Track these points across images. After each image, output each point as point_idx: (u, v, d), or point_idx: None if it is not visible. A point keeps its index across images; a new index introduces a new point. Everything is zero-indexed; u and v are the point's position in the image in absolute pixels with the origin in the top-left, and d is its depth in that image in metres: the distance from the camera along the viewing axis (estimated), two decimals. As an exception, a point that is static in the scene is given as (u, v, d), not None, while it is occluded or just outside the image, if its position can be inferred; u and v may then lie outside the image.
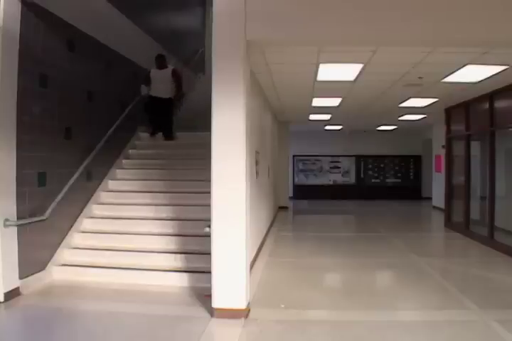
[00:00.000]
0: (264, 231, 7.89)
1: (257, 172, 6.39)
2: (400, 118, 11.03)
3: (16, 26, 4.42)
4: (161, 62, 7.71)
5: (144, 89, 7.68)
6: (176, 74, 7.76)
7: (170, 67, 7.77)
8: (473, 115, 8.11)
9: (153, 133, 7.85)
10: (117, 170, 6.92)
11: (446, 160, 9.65)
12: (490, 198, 7.29)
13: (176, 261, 5.17)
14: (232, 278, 3.97)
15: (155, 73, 7.69)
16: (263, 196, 7.58)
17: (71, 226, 5.59)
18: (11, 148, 4.42)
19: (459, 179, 8.92)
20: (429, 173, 14.20)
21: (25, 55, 4.56)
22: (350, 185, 16.15)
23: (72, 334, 3.68)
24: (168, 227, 5.69)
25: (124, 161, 7.21)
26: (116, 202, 6.25)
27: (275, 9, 3.87)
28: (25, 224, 4.60)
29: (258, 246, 6.66)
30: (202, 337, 3.58)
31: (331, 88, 6.95)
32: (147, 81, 7.69)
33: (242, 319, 3.91)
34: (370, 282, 5.55)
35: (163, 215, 5.91)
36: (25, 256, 4.58)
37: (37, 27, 4.81)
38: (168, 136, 7.78)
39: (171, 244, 5.45)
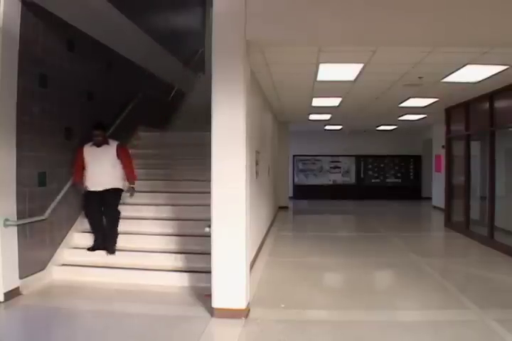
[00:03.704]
0: (265, 231, 7.89)
1: (256, 172, 6.39)
2: (400, 118, 11.03)
3: (15, 26, 4.42)
4: (99, 136, 5.37)
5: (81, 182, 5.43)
6: (122, 155, 5.49)
7: (113, 143, 5.49)
8: (473, 115, 8.11)
9: (93, 248, 5.34)
10: (117, 170, 6.91)
11: (446, 160, 9.65)
12: (490, 198, 7.29)
13: (176, 260, 5.17)
14: (232, 278, 3.97)
15: (91, 153, 5.40)
16: (263, 196, 7.58)
17: (71, 226, 5.59)
18: (11, 148, 4.42)
19: (458, 179, 8.92)
20: (429, 173, 14.20)
21: (25, 55, 4.56)
22: (350, 185, 16.14)
23: (71, 334, 3.68)
24: (168, 227, 5.69)
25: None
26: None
27: (275, 9, 3.88)
28: (25, 224, 4.60)
29: (258, 246, 6.66)
30: (202, 337, 3.58)
31: (330, 88, 6.94)
32: (78, 166, 5.40)
33: (242, 319, 3.91)
34: (370, 281, 5.56)
35: (163, 215, 5.91)
36: (25, 255, 4.58)
37: (37, 27, 4.81)
38: (110, 248, 5.31)
39: (171, 243, 5.45)
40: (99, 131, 5.39)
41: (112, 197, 5.44)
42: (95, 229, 5.47)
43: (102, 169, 5.35)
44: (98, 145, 5.41)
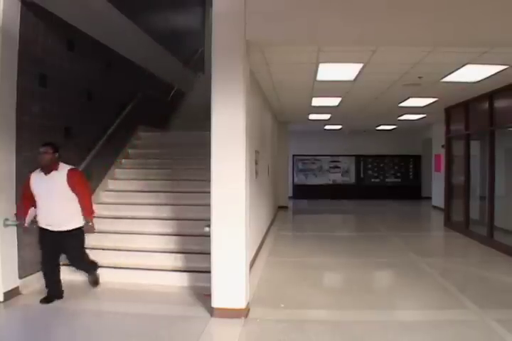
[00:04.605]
0: (264, 230, 7.89)
1: (256, 172, 6.39)
2: (400, 118, 11.04)
3: (15, 26, 4.42)
4: (44, 153, 4.20)
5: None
6: (74, 181, 4.28)
7: (64, 169, 4.30)
8: (473, 114, 8.11)
9: (46, 299, 4.29)
10: (117, 170, 6.93)
11: (446, 160, 9.66)
12: (489, 198, 7.29)
13: (176, 260, 5.17)
14: (231, 278, 3.97)
15: (38, 182, 4.25)
16: (263, 195, 7.58)
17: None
18: (11, 147, 4.42)
19: (458, 179, 8.92)
20: (429, 173, 14.20)
21: (25, 55, 4.56)
22: (350, 185, 16.14)
23: (71, 334, 3.68)
24: (168, 227, 5.69)
25: (123, 161, 7.21)
26: (115, 201, 6.25)
27: (275, 9, 3.88)
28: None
29: (258, 245, 6.66)
30: (201, 336, 3.59)
31: (330, 88, 6.94)
32: (25, 197, 4.33)
33: (242, 318, 3.92)
34: (370, 281, 5.56)
35: (163, 215, 5.91)
36: (24, 255, 4.58)
37: (36, 27, 4.81)
38: (85, 269, 4.71)
39: (170, 243, 5.45)
40: (45, 147, 4.20)
41: (72, 242, 4.35)
42: (47, 275, 4.39)
43: (52, 204, 4.21)
44: (46, 171, 4.23)
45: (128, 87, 7.32)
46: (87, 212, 4.38)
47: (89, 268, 4.73)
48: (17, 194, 4.48)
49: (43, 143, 4.31)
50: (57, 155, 4.27)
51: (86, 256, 4.63)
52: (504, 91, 6.71)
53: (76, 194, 4.30)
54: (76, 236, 4.37)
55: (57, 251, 4.40)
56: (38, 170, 4.30)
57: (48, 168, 4.23)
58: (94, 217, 4.47)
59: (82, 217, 4.37)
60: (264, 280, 5.24)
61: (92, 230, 4.44)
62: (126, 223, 5.77)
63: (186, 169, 6.74)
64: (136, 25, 7.17)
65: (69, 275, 5.01)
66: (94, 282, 4.81)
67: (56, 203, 4.22)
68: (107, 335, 3.64)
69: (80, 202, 4.34)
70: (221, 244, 3.96)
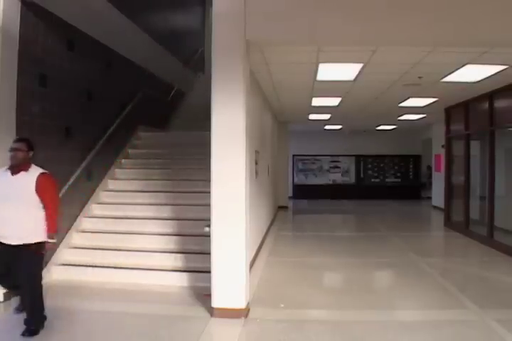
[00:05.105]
0: (264, 230, 7.89)
1: (256, 172, 6.39)
2: (400, 118, 11.04)
3: (15, 26, 4.42)
4: (17, 150, 3.55)
5: None
6: (42, 187, 3.55)
7: (35, 172, 3.61)
8: (473, 114, 8.11)
9: (20, 308, 3.90)
10: (117, 170, 6.93)
11: (446, 160, 9.66)
12: (489, 198, 7.29)
13: (176, 260, 5.17)
14: (231, 278, 3.97)
15: (1, 181, 3.58)
16: (263, 195, 7.58)
17: (70, 226, 5.58)
18: (11, 147, 4.41)
19: (458, 179, 8.93)
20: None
21: (25, 55, 4.56)
22: (350, 185, 16.14)
23: (71, 334, 3.68)
24: (168, 227, 5.69)
25: (123, 161, 7.21)
26: (115, 201, 6.25)
27: (275, 9, 3.88)
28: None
29: (258, 245, 6.66)
30: (201, 336, 3.59)
31: (330, 88, 6.94)
32: None
33: (242, 318, 3.92)
34: (370, 281, 5.56)
35: (163, 215, 5.91)
36: (25, 255, 4.57)
37: (36, 27, 4.81)
38: (29, 326, 3.57)
39: (170, 243, 5.45)
40: (18, 143, 3.58)
41: (28, 259, 3.51)
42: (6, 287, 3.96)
43: (11, 211, 3.46)
44: (13, 171, 3.55)
45: (128, 87, 7.32)
46: (51, 225, 3.57)
47: (37, 307, 3.66)
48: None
49: (16, 138, 3.75)
50: (31, 154, 3.62)
51: (41, 286, 3.72)
52: (504, 91, 6.71)
53: (42, 202, 3.57)
54: (35, 255, 3.55)
55: (7, 268, 3.61)
56: (3, 169, 3.63)
57: (17, 168, 3.55)
58: (55, 233, 3.65)
59: (44, 231, 3.59)
60: (264, 280, 5.24)
61: (53, 247, 3.75)
62: (126, 223, 5.78)
63: (186, 169, 6.74)
64: (136, 25, 7.16)
65: (68, 275, 5.03)
66: (31, 331, 3.55)
67: (17, 210, 3.47)
68: (107, 335, 3.64)
69: (45, 212, 3.59)
70: (221, 244, 3.96)
